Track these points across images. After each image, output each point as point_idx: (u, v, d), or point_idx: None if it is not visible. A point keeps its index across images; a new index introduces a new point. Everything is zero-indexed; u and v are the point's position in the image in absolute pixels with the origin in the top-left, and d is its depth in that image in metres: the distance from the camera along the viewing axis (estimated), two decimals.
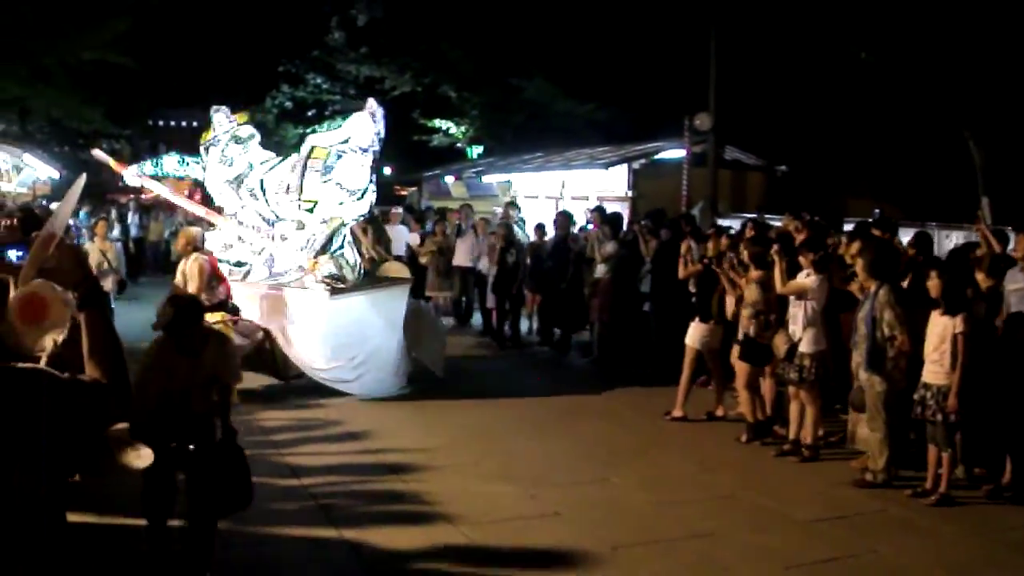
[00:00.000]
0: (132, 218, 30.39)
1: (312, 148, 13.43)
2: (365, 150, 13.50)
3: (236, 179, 13.84)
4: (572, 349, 17.28)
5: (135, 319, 12.67)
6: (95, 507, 7.72)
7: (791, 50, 25.32)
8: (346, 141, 13.40)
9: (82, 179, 3.68)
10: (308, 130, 12.63)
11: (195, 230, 12.96)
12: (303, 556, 7.77)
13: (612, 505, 9.05)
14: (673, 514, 8.79)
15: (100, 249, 16.68)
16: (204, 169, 14.19)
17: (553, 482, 9.65)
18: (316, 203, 13.29)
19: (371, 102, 13.88)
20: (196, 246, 12.29)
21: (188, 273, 11.91)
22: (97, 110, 36.18)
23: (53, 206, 25.89)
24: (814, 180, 25.85)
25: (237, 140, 13.98)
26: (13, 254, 9.45)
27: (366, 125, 13.45)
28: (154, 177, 14.59)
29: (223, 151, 13.92)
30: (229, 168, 13.87)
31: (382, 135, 13.68)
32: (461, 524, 8.42)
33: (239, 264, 13.69)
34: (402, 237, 21.27)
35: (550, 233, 18.17)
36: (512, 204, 22.00)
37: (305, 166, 13.32)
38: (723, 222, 17.46)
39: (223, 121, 14.09)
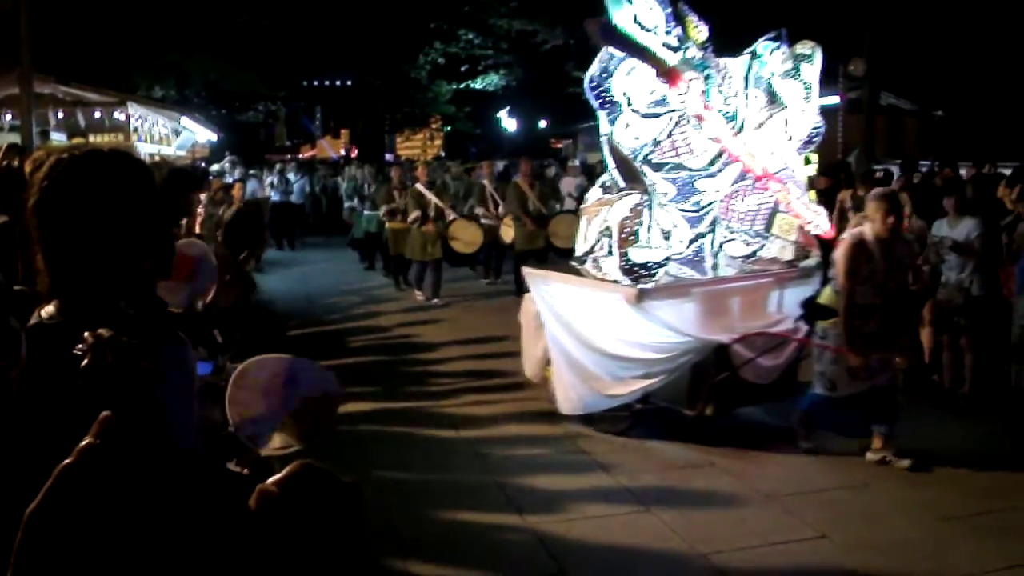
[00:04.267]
0: (269, 178, 29.44)
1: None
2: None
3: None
4: None
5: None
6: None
7: None
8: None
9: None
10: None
11: None
12: (459, 502, 7.97)
13: (767, 455, 9.06)
14: (827, 464, 8.74)
15: None
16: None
17: (710, 432, 9.65)
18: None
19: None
20: None
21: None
22: (254, 75, 36.90)
23: (214, 167, 26.51)
24: (971, 124, 25.32)
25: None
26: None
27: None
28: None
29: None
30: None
31: None
32: (617, 473, 8.51)
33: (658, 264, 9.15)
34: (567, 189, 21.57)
35: None
36: None
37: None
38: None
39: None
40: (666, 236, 9.08)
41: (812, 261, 9.95)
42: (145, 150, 21.63)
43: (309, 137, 66.00)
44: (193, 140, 31.65)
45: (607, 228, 9.22)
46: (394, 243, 18.37)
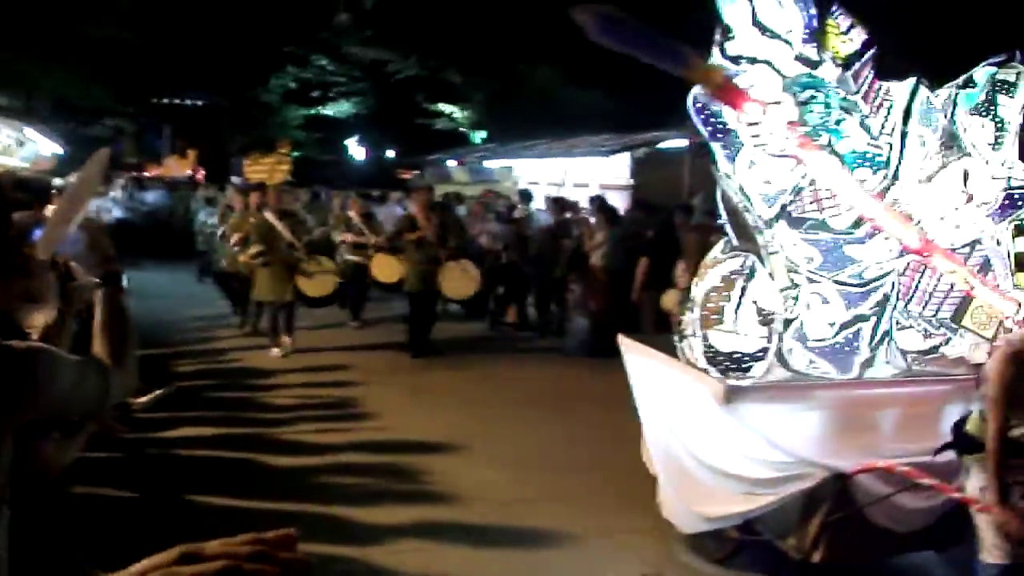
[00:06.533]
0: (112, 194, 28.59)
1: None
2: None
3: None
4: (567, 335, 17.23)
5: None
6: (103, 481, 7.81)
7: None
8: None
9: (104, 153, 3.51)
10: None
11: None
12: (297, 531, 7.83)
13: (607, 489, 9.05)
14: None
15: None
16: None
17: (545, 467, 9.64)
18: None
19: None
20: None
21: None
22: (105, 90, 36.26)
23: (56, 181, 25.82)
24: None
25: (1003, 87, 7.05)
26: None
27: None
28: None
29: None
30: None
31: None
32: (455, 507, 8.47)
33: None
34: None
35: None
36: (525, 194, 21.64)
37: None
38: None
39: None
40: (765, 320, 6.67)
41: None
42: None
43: (156, 155, 65.16)
44: (37, 152, 30.99)
45: (693, 299, 7.00)
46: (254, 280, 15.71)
